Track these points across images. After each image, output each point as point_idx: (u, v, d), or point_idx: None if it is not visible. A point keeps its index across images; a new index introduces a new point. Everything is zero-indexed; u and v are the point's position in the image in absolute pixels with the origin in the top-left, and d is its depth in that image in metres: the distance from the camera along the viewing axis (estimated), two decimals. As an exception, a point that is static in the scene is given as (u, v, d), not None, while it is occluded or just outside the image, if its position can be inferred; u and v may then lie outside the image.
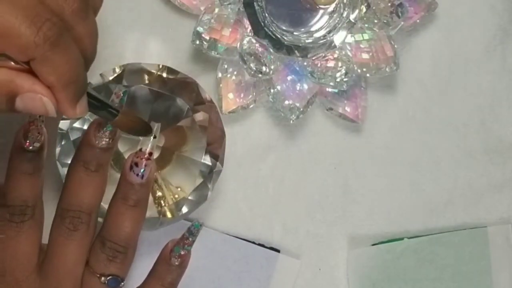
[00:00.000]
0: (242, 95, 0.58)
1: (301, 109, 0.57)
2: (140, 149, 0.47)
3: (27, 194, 0.45)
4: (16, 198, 0.45)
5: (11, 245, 0.45)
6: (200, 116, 0.55)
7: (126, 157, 0.49)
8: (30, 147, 0.45)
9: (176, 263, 0.48)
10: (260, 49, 0.56)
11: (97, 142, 0.46)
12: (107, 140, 0.46)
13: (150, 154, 0.47)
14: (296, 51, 0.57)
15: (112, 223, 0.47)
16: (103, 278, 0.46)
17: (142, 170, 0.46)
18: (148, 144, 0.47)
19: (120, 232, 0.46)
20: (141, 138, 0.48)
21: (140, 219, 0.47)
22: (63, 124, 0.55)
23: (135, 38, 0.59)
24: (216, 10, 0.57)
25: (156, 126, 0.47)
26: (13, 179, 0.45)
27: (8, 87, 0.38)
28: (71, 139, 0.54)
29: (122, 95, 0.46)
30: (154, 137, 0.47)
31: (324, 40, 0.58)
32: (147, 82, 0.55)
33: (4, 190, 0.46)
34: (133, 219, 0.47)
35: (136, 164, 0.46)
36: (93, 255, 0.47)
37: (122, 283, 0.47)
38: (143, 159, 0.46)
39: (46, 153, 0.46)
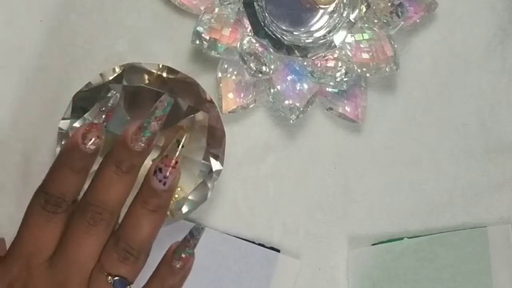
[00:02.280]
0: (242, 95, 0.58)
1: (301, 109, 0.57)
2: (166, 156, 0.47)
3: (67, 190, 0.45)
4: (55, 189, 0.45)
5: (35, 231, 0.45)
6: (200, 116, 0.55)
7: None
8: (86, 148, 0.45)
9: (178, 266, 0.48)
10: (260, 49, 0.56)
11: (132, 144, 0.46)
12: (143, 145, 0.46)
13: (176, 162, 0.47)
14: (296, 51, 0.57)
15: (129, 224, 0.46)
16: (109, 278, 0.46)
17: (165, 177, 0.46)
18: (176, 152, 0.47)
19: (136, 235, 0.46)
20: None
21: (157, 225, 0.47)
22: (63, 124, 0.55)
23: (135, 38, 0.59)
24: (216, 10, 0.57)
25: (183, 136, 0.47)
26: (59, 171, 0.45)
27: None
28: (71, 139, 0.54)
29: (166, 105, 0.46)
30: (182, 146, 0.47)
31: (324, 40, 0.58)
32: (147, 82, 0.55)
33: (46, 178, 0.46)
34: (150, 224, 0.46)
35: (160, 170, 0.46)
36: (105, 253, 0.46)
37: (129, 287, 0.47)
38: (168, 167, 0.46)
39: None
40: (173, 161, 0.46)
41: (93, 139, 0.45)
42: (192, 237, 0.47)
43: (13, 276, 0.45)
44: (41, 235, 0.46)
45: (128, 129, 0.46)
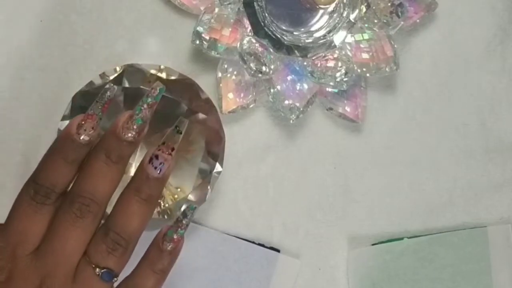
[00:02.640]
0: (242, 95, 0.58)
1: (301, 109, 0.57)
2: (163, 143, 0.47)
3: (58, 180, 0.45)
4: (45, 179, 0.45)
5: (23, 221, 0.45)
6: (199, 116, 0.55)
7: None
8: (80, 138, 0.45)
9: (168, 248, 0.47)
10: (260, 49, 0.56)
11: (123, 133, 0.46)
12: (134, 133, 0.46)
13: (173, 149, 0.46)
14: (296, 51, 0.57)
15: (120, 213, 0.46)
16: (97, 270, 0.46)
17: (161, 164, 0.46)
18: (175, 137, 0.47)
19: (126, 224, 0.46)
20: None
21: (147, 216, 0.47)
22: (63, 124, 0.55)
23: (135, 38, 0.59)
24: (216, 10, 0.57)
25: (183, 122, 0.47)
26: (51, 161, 0.45)
27: None
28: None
29: (158, 92, 0.46)
30: (180, 133, 0.47)
31: (324, 40, 0.58)
32: (146, 83, 0.55)
33: (38, 167, 0.46)
34: (141, 214, 0.46)
35: (157, 157, 0.46)
36: (93, 244, 0.46)
37: (115, 279, 0.47)
38: (164, 153, 0.46)
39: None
40: (170, 148, 0.46)
41: (87, 130, 0.45)
42: (185, 217, 0.47)
43: None
44: (28, 225, 0.45)
45: (119, 118, 0.46)
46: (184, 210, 0.47)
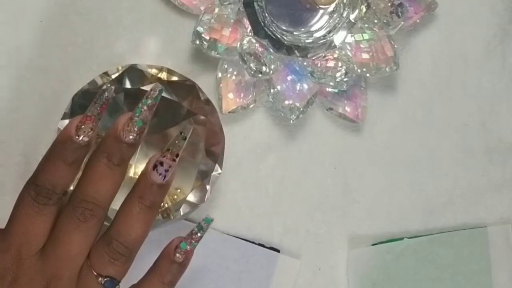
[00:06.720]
0: (242, 95, 0.58)
1: (301, 109, 0.57)
2: (168, 149, 0.47)
3: (58, 182, 0.45)
4: (46, 181, 0.45)
5: (26, 223, 0.45)
6: (199, 118, 0.55)
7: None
8: (79, 140, 0.45)
9: (180, 260, 0.47)
10: (260, 49, 0.56)
11: (124, 136, 0.46)
12: (135, 135, 0.46)
13: (177, 156, 0.46)
14: (296, 51, 0.57)
15: (123, 221, 0.46)
16: (100, 279, 0.46)
17: (166, 171, 0.46)
18: (180, 144, 0.46)
19: (130, 232, 0.46)
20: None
21: (150, 223, 0.47)
22: (63, 124, 0.55)
23: (135, 38, 0.59)
24: (216, 10, 0.57)
25: (188, 128, 0.47)
26: (50, 163, 0.45)
27: None
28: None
29: (157, 93, 0.46)
30: (185, 139, 0.47)
31: (324, 40, 0.58)
32: (147, 84, 0.55)
33: (38, 169, 0.45)
34: (145, 222, 0.46)
35: (162, 164, 0.46)
36: (95, 252, 0.46)
37: (118, 286, 0.47)
38: (170, 160, 0.46)
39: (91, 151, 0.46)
40: (175, 154, 0.46)
41: (86, 131, 0.45)
42: (201, 230, 0.47)
43: (4, 268, 0.45)
44: (31, 227, 0.45)
45: (118, 120, 0.46)
46: (200, 223, 0.47)
